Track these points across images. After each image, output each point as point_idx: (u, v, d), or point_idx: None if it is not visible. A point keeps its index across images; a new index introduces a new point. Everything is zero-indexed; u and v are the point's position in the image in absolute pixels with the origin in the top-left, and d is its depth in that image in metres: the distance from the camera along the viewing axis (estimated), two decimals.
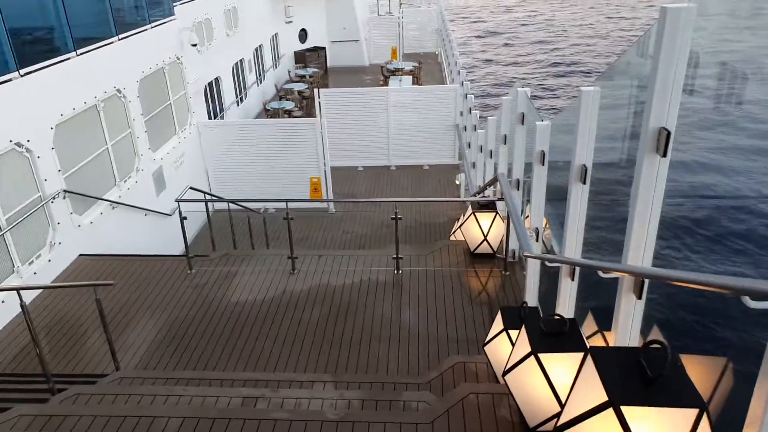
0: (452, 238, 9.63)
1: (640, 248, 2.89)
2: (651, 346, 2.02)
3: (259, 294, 7.20)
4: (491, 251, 7.53)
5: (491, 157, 9.28)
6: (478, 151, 10.53)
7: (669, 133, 2.55)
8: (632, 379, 1.99)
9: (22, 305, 4.61)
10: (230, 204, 9.79)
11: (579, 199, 4.07)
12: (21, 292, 4.72)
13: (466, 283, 7.19)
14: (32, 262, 7.13)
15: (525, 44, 46.43)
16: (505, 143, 7.63)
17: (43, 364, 4.85)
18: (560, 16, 59.36)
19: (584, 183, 3.97)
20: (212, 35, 15.81)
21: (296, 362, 5.91)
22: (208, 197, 8.81)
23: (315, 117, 12.80)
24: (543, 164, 5.30)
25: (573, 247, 4.24)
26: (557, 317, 3.32)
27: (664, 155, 2.60)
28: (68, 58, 7.98)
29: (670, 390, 1.92)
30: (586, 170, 3.93)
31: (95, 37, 8.79)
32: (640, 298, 2.98)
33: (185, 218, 7.55)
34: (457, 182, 13.29)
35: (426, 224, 11.93)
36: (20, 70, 7.00)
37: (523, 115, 6.27)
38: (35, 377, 5.38)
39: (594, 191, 4.15)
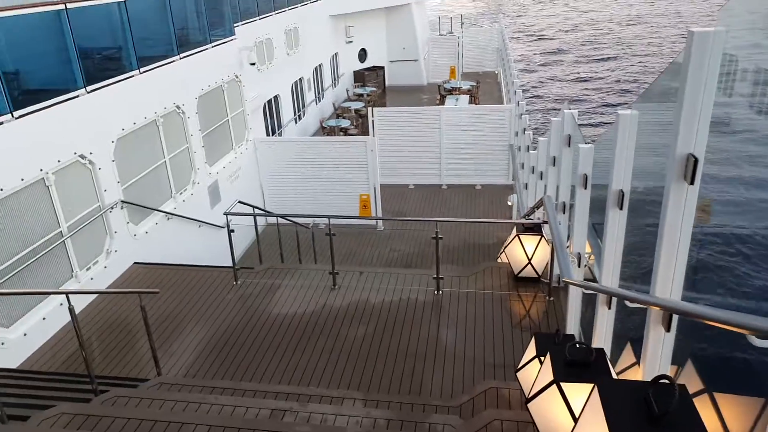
0: (499, 260, 9.47)
1: (668, 279, 2.75)
2: (660, 381, 1.92)
3: (299, 308, 7.30)
4: (536, 275, 7.34)
5: (541, 179, 9.09)
6: (530, 172, 10.34)
7: (696, 160, 2.43)
8: (637, 415, 1.89)
9: (70, 309, 4.85)
10: (278, 218, 10.00)
11: (616, 225, 3.93)
12: (72, 296, 4.98)
13: (507, 307, 7.03)
14: (89, 268, 7.52)
15: (590, 62, 45.47)
16: (554, 165, 7.46)
17: (88, 366, 5.07)
18: (627, 33, 57.87)
19: (621, 209, 3.83)
20: (273, 54, 16.35)
21: (330, 378, 5.93)
22: (256, 211, 9.00)
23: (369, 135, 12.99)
24: (585, 188, 5.14)
25: (609, 275, 4.09)
26: (583, 346, 3.20)
27: (692, 183, 2.48)
28: (131, 76, 8.44)
29: (674, 428, 1.81)
30: (623, 195, 3.79)
31: (158, 56, 9.26)
32: (668, 330, 2.83)
33: (233, 231, 7.77)
34: (509, 203, 13.08)
35: (474, 245, 11.78)
36: (87, 87, 7.45)
37: (570, 137, 6.13)
38: (82, 378, 5.63)
39: (641, 215, 3.99)
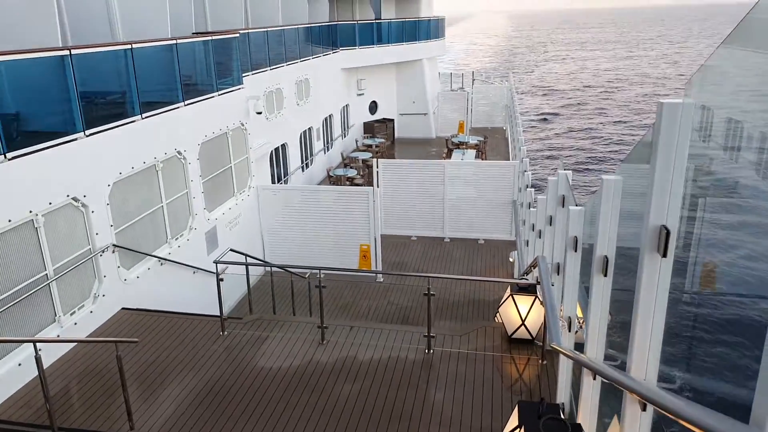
0: (496, 319, 9.22)
1: (643, 358, 2.57)
2: None
3: (285, 362, 7.08)
4: (529, 337, 7.10)
5: (540, 237, 8.94)
6: (531, 229, 10.20)
7: (669, 232, 2.29)
8: None
9: (37, 358, 4.70)
10: (272, 267, 9.88)
11: (601, 293, 3.76)
12: (49, 342, 4.83)
13: (500, 370, 6.76)
14: (74, 312, 7.38)
15: (598, 118, 45.89)
16: (550, 224, 7.33)
17: (51, 419, 4.88)
18: (634, 91, 58.60)
19: (606, 275, 3.68)
20: (282, 104, 16.59)
21: None
22: (249, 260, 8.89)
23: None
24: (576, 250, 4.99)
25: (595, 344, 3.89)
26: (558, 420, 2.99)
27: (665, 255, 2.34)
28: (133, 121, 8.53)
29: None
30: (607, 261, 3.64)
31: (162, 102, 9.38)
32: (644, 410, 2.63)
33: (222, 279, 7.66)
34: (511, 260, 12.89)
35: (473, 301, 11.53)
36: (86, 131, 7.51)
37: (564, 198, 6.01)
38: (43, 429, 5.42)
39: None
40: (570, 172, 6.13)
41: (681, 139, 2.21)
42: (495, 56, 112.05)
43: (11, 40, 8.15)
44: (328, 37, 21.47)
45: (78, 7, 10.06)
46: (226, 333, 7.70)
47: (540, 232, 9.02)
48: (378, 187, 14.56)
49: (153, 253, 9.06)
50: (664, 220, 2.32)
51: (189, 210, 10.18)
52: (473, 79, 33.02)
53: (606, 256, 3.64)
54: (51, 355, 6.85)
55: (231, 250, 8.37)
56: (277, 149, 16.62)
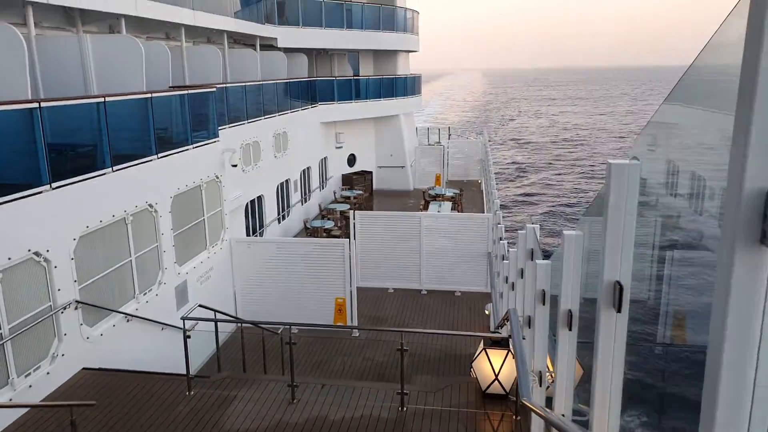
0: (471, 373, 9.05)
1: (604, 415, 2.50)
2: None
3: (253, 423, 6.80)
4: (503, 392, 6.95)
5: (512, 290, 8.91)
6: (504, 281, 10.18)
7: (622, 288, 2.27)
8: None
9: None
10: (242, 323, 9.64)
11: (566, 347, 3.71)
12: None
13: (473, 427, 6.57)
14: (29, 374, 7.05)
15: (570, 170, 46.89)
16: (521, 277, 7.31)
17: None
18: (611, 145, 60.25)
19: (570, 329, 3.64)
20: (259, 156, 16.64)
21: None
22: (219, 316, 8.68)
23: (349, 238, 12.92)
24: (544, 304, 4.96)
25: (562, 400, 3.81)
26: None
27: (619, 311, 2.31)
28: (103, 174, 8.43)
29: None
30: (572, 315, 3.61)
31: (135, 154, 9.32)
32: None
33: (189, 337, 7.43)
34: (486, 312, 12.79)
35: (449, 355, 11.34)
36: (52, 184, 7.40)
37: (532, 251, 6.02)
38: None
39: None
40: (538, 226, 6.18)
41: (630, 197, 2.22)
42: (471, 111, 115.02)
43: None
44: (306, 92, 21.83)
45: (52, 57, 10.08)
46: (192, 393, 7.41)
47: (513, 284, 9.01)
48: (354, 238, 14.52)
49: (119, 309, 8.80)
50: (617, 276, 2.30)
51: (159, 264, 9.97)
52: (449, 134, 33.69)
53: (570, 310, 3.61)
54: (2, 420, 6.49)
55: (200, 305, 8.16)
56: (253, 201, 16.56)
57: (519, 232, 7.22)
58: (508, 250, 9.70)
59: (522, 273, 7.28)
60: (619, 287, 2.27)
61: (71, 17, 11.36)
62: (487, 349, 6.90)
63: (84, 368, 7.88)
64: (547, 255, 6.03)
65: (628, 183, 2.22)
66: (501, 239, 11.65)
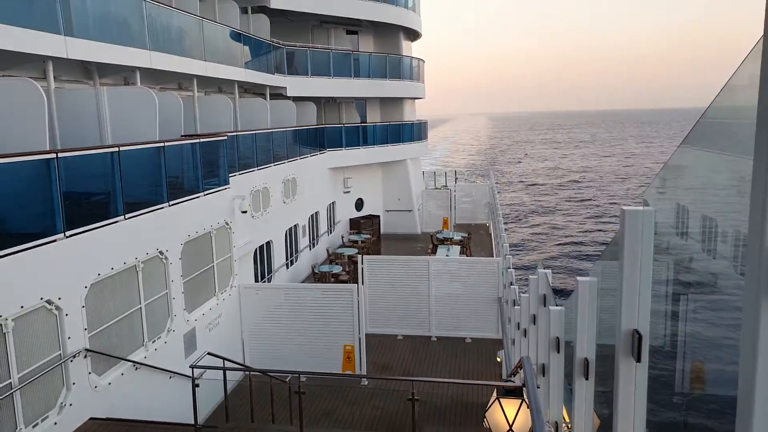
0: (484, 424, 8.85)
1: None
2: None
3: None
4: None
5: (525, 336, 8.79)
6: (516, 328, 10.06)
7: (641, 336, 2.26)
8: None
9: None
10: (250, 372, 9.53)
11: (583, 396, 3.65)
12: None
13: None
14: (37, 424, 6.96)
15: (579, 212, 46.83)
16: (534, 323, 7.24)
17: None
18: (619, 186, 60.33)
19: (587, 378, 3.58)
20: (269, 202, 16.80)
21: None
22: (228, 364, 8.59)
23: (358, 283, 12.87)
24: (558, 351, 4.90)
25: None
26: None
27: (639, 360, 2.29)
28: (116, 222, 8.53)
29: None
30: (588, 364, 3.56)
31: (146, 202, 9.45)
32: None
33: (197, 385, 7.36)
34: (498, 359, 12.58)
35: (462, 404, 11.12)
36: (66, 232, 7.48)
37: (545, 297, 5.99)
38: None
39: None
40: (549, 271, 6.15)
41: (645, 244, 2.23)
42: (477, 154, 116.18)
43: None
44: (315, 139, 22.19)
45: (69, 109, 10.34)
46: None
47: (525, 331, 8.90)
48: (363, 284, 14.48)
49: (128, 357, 8.74)
50: (635, 324, 2.29)
51: (168, 311, 9.95)
52: (456, 178, 33.94)
53: (586, 359, 3.57)
54: None
55: (208, 353, 8.10)
56: (261, 247, 16.61)
57: (530, 277, 7.19)
58: (519, 296, 9.62)
59: (534, 319, 7.21)
60: (637, 336, 2.26)
61: (89, 71, 11.71)
62: (501, 399, 6.75)
63: (91, 418, 7.78)
64: (558, 291, 5.99)
65: (642, 229, 2.23)
66: (512, 284, 11.57)
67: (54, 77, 9.66)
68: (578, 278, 3.60)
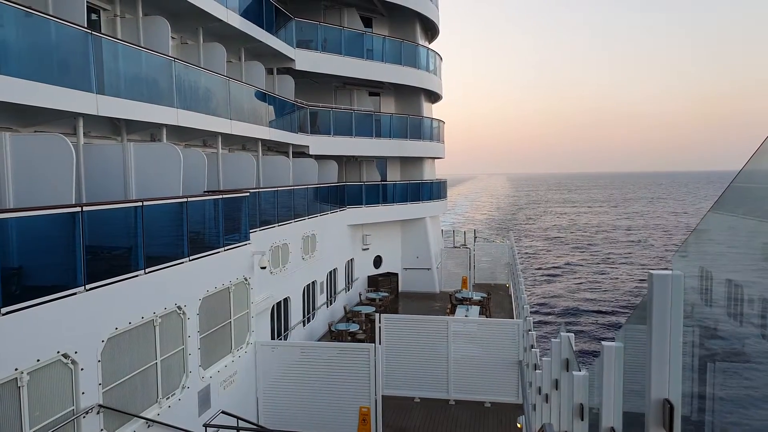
0: None
1: None
2: None
3: None
4: None
5: (546, 402, 8.47)
6: (537, 392, 9.72)
7: (672, 406, 2.14)
8: None
9: None
10: None
11: None
12: None
13: None
14: None
15: (602, 271, 46.01)
16: (556, 389, 6.98)
17: None
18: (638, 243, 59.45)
19: None
20: (287, 259, 16.83)
21: None
22: (242, 424, 8.39)
23: (375, 342, 12.65)
24: (582, 419, 4.69)
25: None
26: None
27: (671, 430, 2.17)
28: (136, 276, 8.58)
29: None
30: None
31: (167, 257, 9.51)
32: None
33: None
34: (519, 425, 12.11)
35: None
36: (87, 285, 7.52)
37: (567, 362, 5.79)
38: None
39: None
40: (572, 335, 5.98)
41: (674, 310, 2.16)
42: (496, 211, 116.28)
43: (28, 191, 8.47)
44: (336, 196, 22.42)
45: (96, 163, 10.60)
46: None
47: (546, 396, 8.58)
48: (380, 343, 14.21)
49: (141, 414, 8.58)
50: (666, 394, 2.18)
51: (183, 367, 9.84)
52: (475, 237, 33.82)
53: (612, 428, 3.40)
54: None
55: (222, 412, 7.92)
56: (279, 303, 16.53)
57: (553, 340, 6.99)
58: (540, 359, 9.35)
59: (557, 384, 6.96)
60: (669, 405, 2.14)
61: (117, 127, 12.12)
62: None
63: None
64: (581, 353, 5.79)
65: (671, 294, 2.16)
66: (533, 347, 11.27)
67: (83, 132, 9.99)
68: (603, 343, 3.48)
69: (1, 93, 7.52)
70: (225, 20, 15.01)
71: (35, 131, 9.92)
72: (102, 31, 11.52)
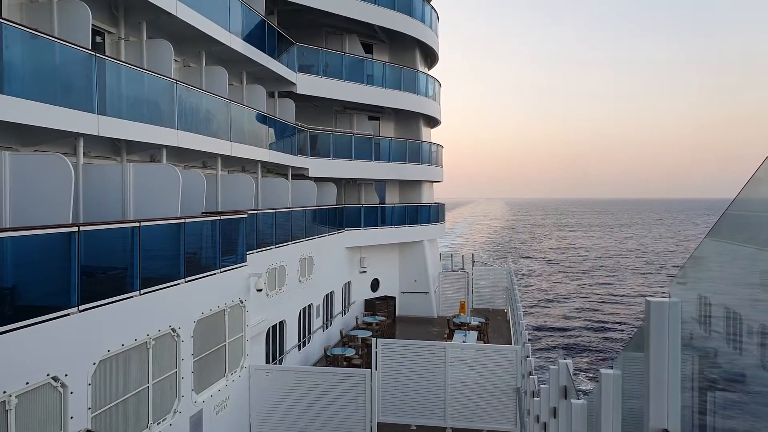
0: None
1: None
2: None
3: None
4: None
5: (545, 430, 8.33)
6: (535, 420, 9.57)
7: None
8: None
9: None
10: None
11: None
12: None
13: None
14: None
15: (603, 296, 45.78)
16: (555, 417, 6.87)
17: None
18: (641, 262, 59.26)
19: None
20: (284, 281, 16.72)
21: None
22: None
23: (371, 368, 12.51)
24: None
25: None
26: None
27: None
28: (130, 297, 8.50)
29: None
30: None
31: (163, 278, 9.44)
32: None
33: None
34: None
35: None
36: (80, 306, 7.44)
37: (566, 389, 5.71)
38: None
39: None
40: (570, 362, 5.91)
41: (672, 338, 2.12)
42: (494, 234, 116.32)
43: (26, 210, 8.43)
44: (334, 218, 22.40)
45: (95, 183, 10.58)
46: None
47: (545, 424, 8.45)
48: (377, 369, 14.04)
49: None
50: (665, 424, 2.13)
51: (176, 391, 9.69)
52: (473, 261, 33.73)
53: None
54: None
55: None
56: (274, 326, 16.37)
57: (551, 367, 6.90)
58: (538, 387, 9.23)
59: (555, 412, 6.85)
60: None
61: (117, 147, 12.14)
62: None
63: None
64: (580, 376, 5.70)
65: (669, 322, 2.12)
66: (530, 374, 11.14)
67: (83, 152, 10.00)
68: (601, 371, 3.43)
69: (3, 113, 7.54)
70: (228, 44, 15.17)
71: (35, 151, 9.93)
72: (106, 54, 11.62)
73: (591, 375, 27.15)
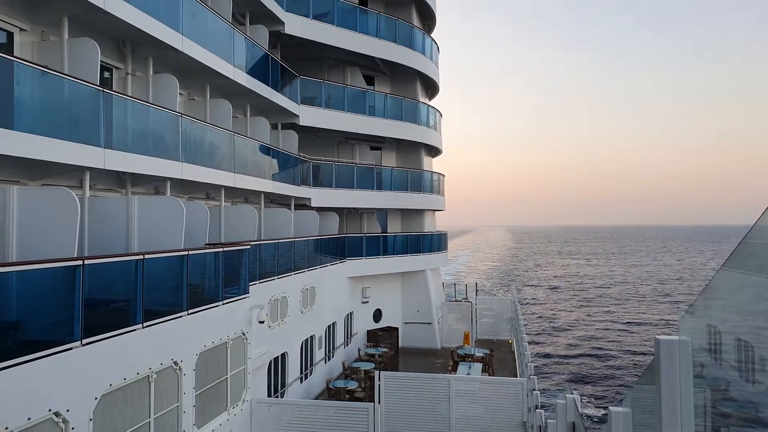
0: None
1: None
2: None
3: None
4: None
5: None
6: None
7: None
8: None
9: None
10: None
11: None
12: None
13: None
14: None
15: (616, 332, 45.34)
16: None
17: None
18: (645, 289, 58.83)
19: None
20: (286, 312, 16.64)
21: None
22: None
23: (374, 401, 12.35)
24: None
25: None
26: None
27: None
28: (133, 330, 8.46)
29: None
30: None
31: (165, 311, 9.41)
32: None
33: None
34: None
35: None
36: (83, 340, 7.41)
37: (574, 425, 5.64)
38: None
39: None
40: (578, 396, 5.85)
41: (684, 376, 2.11)
42: (498, 262, 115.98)
43: (32, 244, 8.45)
44: (336, 248, 22.39)
45: (100, 216, 10.63)
46: None
47: None
48: (380, 402, 13.86)
49: None
50: None
51: (177, 426, 9.56)
52: (477, 290, 33.55)
53: None
54: None
55: None
56: (276, 358, 16.23)
57: (558, 401, 6.82)
58: (546, 422, 9.11)
59: None
60: None
61: (122, 179, 12.23)
62: None
63: None
64: (591, 410, 5.63)
65: (680, 361, 2.12)
66: (537, 408, 10.99)
67: (89, 185, 10.07)
68: (611, 408, 3.39)
69: (14, 149, 7.63)
70: (232, 78, 15.40)
71: (42, 184, 10.01)
72: (113, 88, 11.80)
73: (596, 398, 26.77)
